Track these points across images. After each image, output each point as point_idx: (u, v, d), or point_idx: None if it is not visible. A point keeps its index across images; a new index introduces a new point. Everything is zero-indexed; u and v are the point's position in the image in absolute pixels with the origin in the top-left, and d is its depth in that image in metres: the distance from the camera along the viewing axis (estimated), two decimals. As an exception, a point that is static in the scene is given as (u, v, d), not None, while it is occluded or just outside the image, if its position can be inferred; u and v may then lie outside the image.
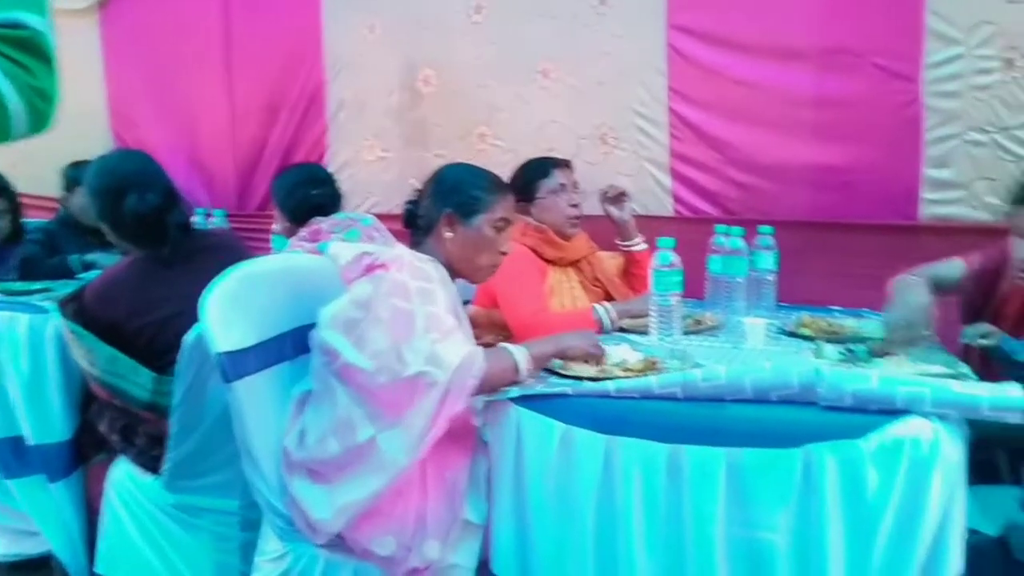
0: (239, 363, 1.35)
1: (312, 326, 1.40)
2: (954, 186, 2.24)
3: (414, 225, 1.61)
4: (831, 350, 1.53)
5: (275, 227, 2.49)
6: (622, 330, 1.87)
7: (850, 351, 1.53)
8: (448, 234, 1.52)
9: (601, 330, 1.86)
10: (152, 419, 1.71)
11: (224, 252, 1.78)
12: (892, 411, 1.11)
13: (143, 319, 1.74)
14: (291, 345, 1.48)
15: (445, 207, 1.53)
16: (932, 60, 2.21)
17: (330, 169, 3.00)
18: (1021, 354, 1.36)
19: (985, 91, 2.16)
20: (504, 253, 1.57)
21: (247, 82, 3.38)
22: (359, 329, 1.32)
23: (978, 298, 1.71)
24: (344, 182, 3.03)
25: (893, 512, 1.09)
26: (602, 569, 1.22)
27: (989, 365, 1.43)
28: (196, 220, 3.25)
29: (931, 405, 1.10)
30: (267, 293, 1.45)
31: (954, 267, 1.74)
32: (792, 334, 1.73)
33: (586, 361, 1.44)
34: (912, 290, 1.59)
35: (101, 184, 1.80)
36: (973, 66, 2.17)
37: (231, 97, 3.43)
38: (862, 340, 1.61)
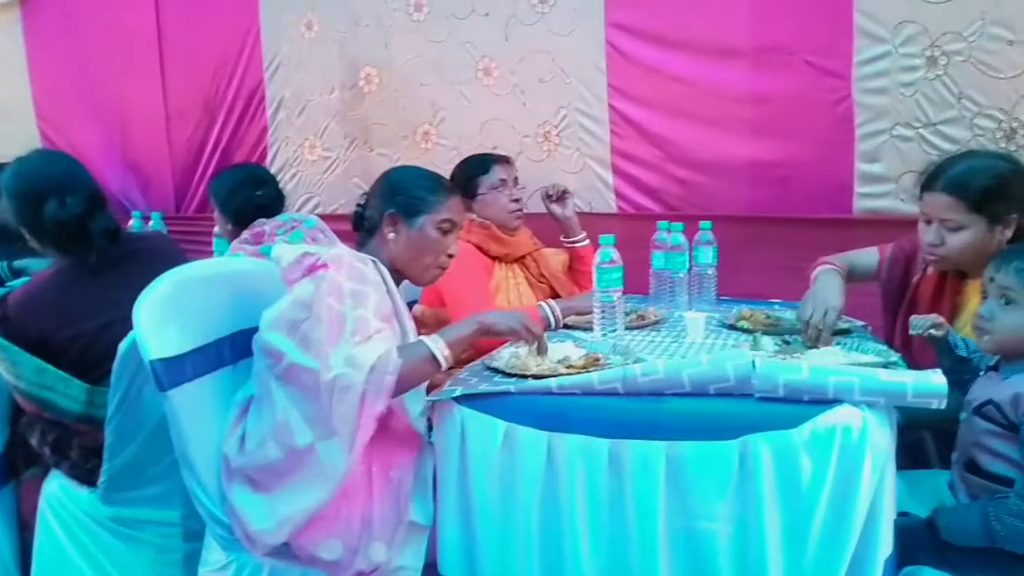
0: (174, 370, 1.32)
1: (254, 330, 1.38)
2: (884, 180, 2.32)
3: (361, 227, 1.59)
4: (768, 342, 1.57)
5: (216, 230, 2.44)
6: (567, 327, 1.88)
7: (786, 342, 1.57)
8: (391, 234, 1.51)
9: (547, 327, 1.87)
10: (87, 431, 1.65)
11: (157, 257, 1.73)
12: (824, 401, 1.15)
13: (73, 330, 1.68)
14: (231, 350, 1.46)
15: (388, 207, 1.52)
16: (861, 58, 2.28)
17: (271, 169, 2.96)
18: (963, 349, 1.41)
19: (911, 88, 2.24)
20: (451, 256, 1.56)
21: (182, 80, 3.30)
22: (302, 329, 1.31)
23: (895, 285, 1.77)
24: (286, 182, 3.01)
25: (827, 498, 1.12)
26: (547, 565, 1.23)
27: (928, 353, 1.48)
28: (132, 224, 3.16)
29: (860, 393, 1.14)
30: (203, 297, 1.42)
31: (869, 256, 1.81)
32: (732, 327, 1.77)
33: (521, 340, 1.44)
34: (824, 280, 1.65)
35: (19, 188, 1.72)
36: (899, 64, 2.25)
37: (166, 96, 3.34)
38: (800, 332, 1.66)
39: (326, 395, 1.26)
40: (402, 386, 1.30)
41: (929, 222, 1.57)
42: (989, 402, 1.28)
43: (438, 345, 1.34)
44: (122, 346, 1.48)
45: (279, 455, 1.28)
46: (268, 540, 1.29)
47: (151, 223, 3.21)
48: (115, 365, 1.50)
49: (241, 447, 1.35)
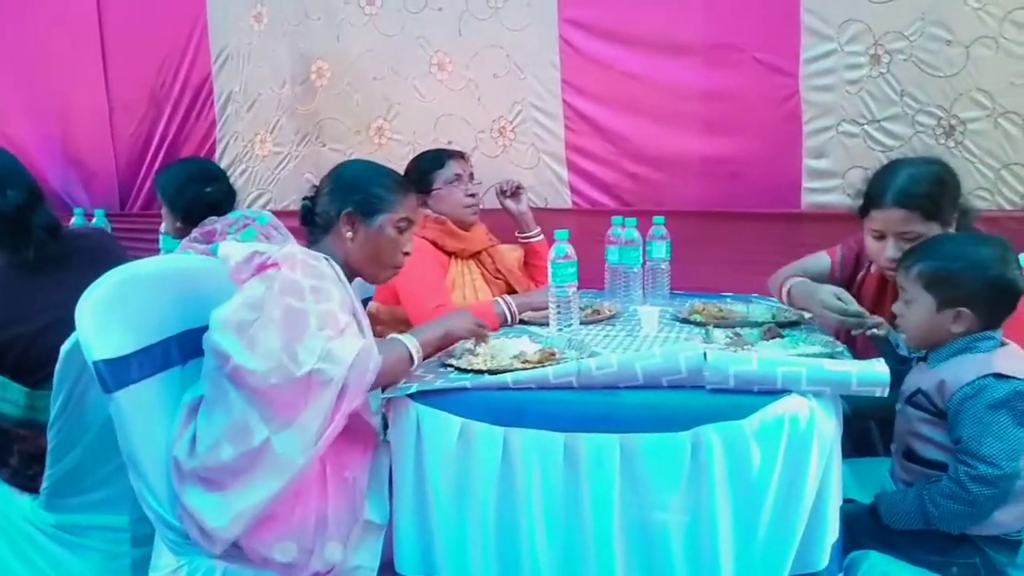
0: (120, 371, 1.29)
1: (203, 329, 1.35)
2: (831, 175, 2.38)
3: (311, 223, 1.57)
4: (719, 335, 1.59)
5: (164, 227, 2.37)
6: (523, 322, 1.89)
7: (737, 335, 1.60)
8: (348, 234, 1.49)
9: (503, 323, 1.87)
10: (28, 436, 1.60)
11: (99, 255, 1.68)
12: (773, 391, 1.18)
13: (12, 331, 1.62)
14: (180, 350, 1.42)
15: (345, 206, 1.49)
16: (808, 56, 2.33)
17: (221, 165, 2.90)
18: (904, 348, 1.45)
19: (856, 85, 2.30)
20: (407, 254, 1.55)
21: (126, 73, 3.20)
22: (251, 330, 1.28)
23: (842, 286, 1.82)
24: (236, 178, 2.95)
25: (776, 486, 1.15)
26: (505, 560, 1.24)
27: (871, 352, 1.52)
28: (74, 221, 3.06)
29: (807, 383, 1.17)
30: (149, 296, 1.38)
31: (821, 261, 1.86)
32: (685, 320, 1.79)
33: (472, 344, 1.44)
34: (804, 286, 1.69)
35: None
36: (845, 62, 2.31)
37: (109, 88, 3.24)
38: (756, 324, 1.69)
39: (294, 390, 1.23)
40: (379, 383, 1.29)
41: (882, 237, 1.58)
42: (919, 391, 1.33)
43: (414, 345, 1.34)
44: (64, 347, 1.43)
45: (233, 455, 1.26)
46: (224, 536, 1.26)
47: (94, 220, 3.11)
48: (57, 367, 1.45)
49: (192, 449, 1.32)
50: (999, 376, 1.24)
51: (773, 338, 1.56)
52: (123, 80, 3.22)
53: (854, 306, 1.55)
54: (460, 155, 2.20)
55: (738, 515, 1.16)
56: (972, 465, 1.21)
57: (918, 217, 1.53)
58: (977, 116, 2.19)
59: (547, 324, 1.77)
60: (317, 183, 1.61)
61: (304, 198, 1.59)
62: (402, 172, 2.13)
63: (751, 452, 1.14)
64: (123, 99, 3.23)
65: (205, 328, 1.34)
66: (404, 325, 1.99)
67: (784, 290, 1.75)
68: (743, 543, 1.16)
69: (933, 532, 1.27)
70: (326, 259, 1.40)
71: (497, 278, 2.17)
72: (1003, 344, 1.31)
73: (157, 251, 2.52)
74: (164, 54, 3.12)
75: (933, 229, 1.53)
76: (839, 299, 1.56)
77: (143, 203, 3.28)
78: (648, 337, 1.66)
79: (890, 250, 1.56)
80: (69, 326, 1.30)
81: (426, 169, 2.15)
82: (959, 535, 1.26)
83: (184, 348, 1.42)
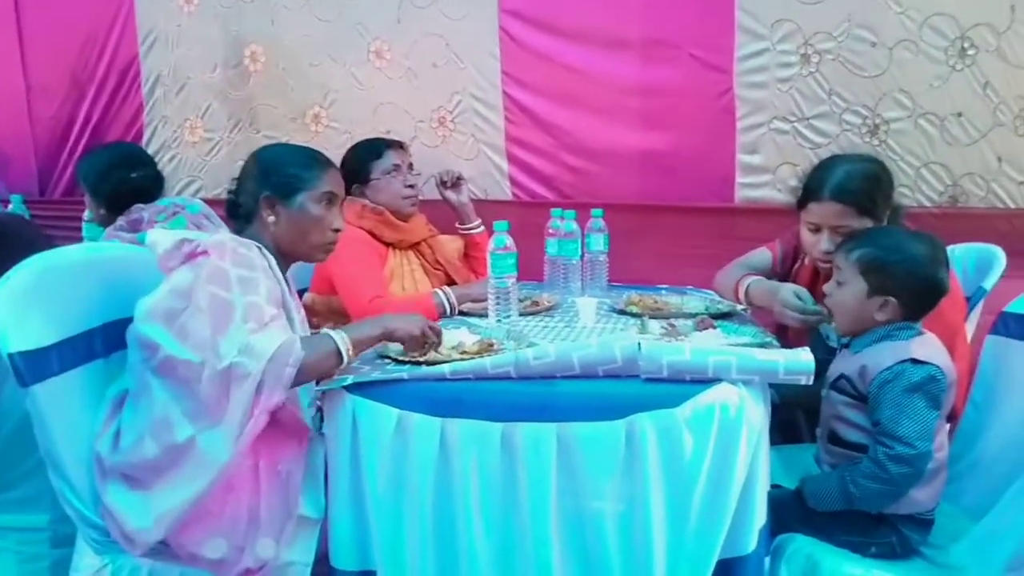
0: (38, 363, 1.24)
1: (128, 320, 1.30)
2: (763, 171, 2.45)
3: (236, 215, 1.52)
4: (654, 325, 1.62)
5: (86, 215, 2.27)
6: (463, 313, 1.88)
7: (672, 325, 1.63)
8: (270, 218, 1.45)
9: (442, 314, 1.86)
10: (-63, 433, 1.52)
11: (15, 242, 1.61)
12: (704, 380, 1.21)
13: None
14: (104, 341, 1.38)
15: (262, 191, 1.45)
16: (742, 53, 2.39)
17: (148, 150, 2.79)
18: (834, 340, 1.50)
19: (787, 83, 2.37)
20: (337, 230, 1.51)
21: (45, 52, 3.06)
22: (180, 319, 1.25)
23: (778, 278, 1.88)
24: (164, 165, 2.85)
25: (706, 472, 1.18)
26: (442, 551, 1.23)
27: (801, 342, 1.57)
28: (-11, 207, 2.91)
29: (737, 372, 1.20)
30: (71, 286, 1.33)
31: (763, 256, 1.91)
32: (622, 312, 1.82)
33: (411, 346, 1.42)
34: (762, 284, 1.73)
35: None
36: (776, 60, 2.37)
37: (26, 69, 3.08)
38: (690, 315, 1.73)
39: (217, 385, 1.20)
40: (301, 379, 1.25)
41: (818, 230, 1.62)
42: (842, 376, 1.38)
43: (344, 341, 1.31)
44: (-24, 340, 1.36)
45: (157, 451, 1.22)
46: (146, 538, 1.23)
47: (10, 206, 2.96)
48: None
49: (115, 444, 1.28)
50: (916, 362, 1.30)
51: (706, 329, 1.59)
52: (42, 60, 3.08)
53: (813, 305, 1.59)
54: (399, 144, 2.17)
55: (670, 501, 1.18)
56: (890, 446, 1.27)
57: (852, 212, 1.58)
58: (899, 116, 2.29)
59: (486, 315, 1.77)
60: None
61: (228, 192, 1.54)
62: (339, 161, 2.10)
63: (683, 439, 1.16)
64: (42, 80, 3.09)
65: (130, 319, 1.30)
66: (340, 316, 1.96)
67: (741, 289, 1.78)
68: (675, 528, 1.18)
69: (854, 514, 1.33)
70: (258, 247, 1.37)
71: (437, 269, 2.16)
72: (921, 333, 1.37)
73: (80, 239, 2.41)
74: (86, 33, 2.98)
75: (866, 224, 1.58)
76: (799, 298, 1.60)
77: (64, 189, 3.14)
78: (586, 328, 1.68)
79: (824, 243, 1.61)
80: (-18, 317, 1.24)
81: (363, 159, 2.11)
82: (877, 516, 1.32)
83: (109, 340, 1.38)
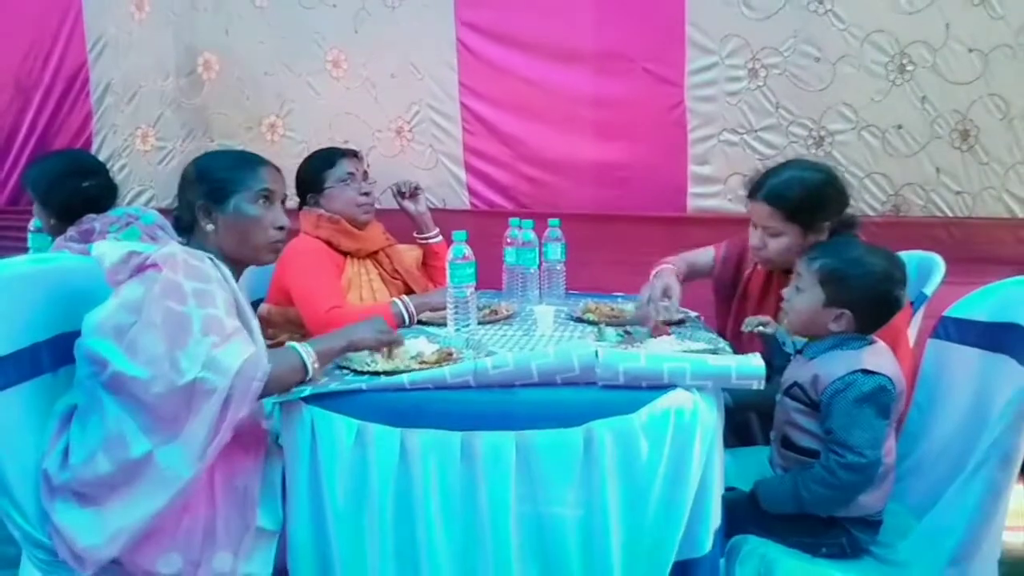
0: (-18, 379, 1.20)
1: (77, 333, 1.27)
2: (713, 181, 2.51)
3: (179, 227, 1.50)
4: (611, 333, 1.65)
5: (32, 224, 2.21)
6: (421, 323, 1.88)
7: (628, 333, 1.66)
8: (209, 226, 1.43)
9: (400, 324, 1.86)
10: None
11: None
12: (660, 386, 1.23)
13: None
14: (51, 356, 1.34)
15: (197, 199, 1.43)
16: (692, 67, 2.45)
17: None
18: (789, 346, 1.54)
19: (735, 97, 2.44)
20: (281, 227, 1.48)
21: (-12, 58, 2.97)
22: (130, 334, 1.22)
23: (727, 281, 1.93)
24: (114, 174, 2.76)
25: (662, 476, 1.20)
26: (402, 561, 1.23)
27: (755, 347, 1.61)
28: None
29: (691, 378, 1.23)
30: (15, 298, 1.29)
31: (706, 254, 1.97)
32: (579, 319, 1.84)
33: (378, 351, 1.43)
34: (661, 275, 1.77)
35: None
36: (726, 74, 2.44)
37: (-33, 75, 2.99)
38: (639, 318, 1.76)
39: (176, 400, 1.18)
40: (267, 392, 1.24)
41: (756, 226, 1.71)
42: (795, 384, 1.42)
43: (309, 355, 1.30)
44: (-83, 354, 1.32)
45: (110, 468, 1.19)
46: (97, 556, 1.20)
47: (-49, 216, 2.86)
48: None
49: (64, 461, 1.25)
50: (866, 372, 1.33)
51: (660, 335, 1.63)
52: (-17, 66, 2.99)
53: (647, 298, 1.69)
54: (353, 153, 2.17)
55: (627, 505, 1.20)
56: (841, 454, 1.31)
57: (780, 216, 1.64)
58: (843, 128, 2.37)
59: (445, 324, 1.77)
60: None
61: (173, 208, 1.52)
62: (295, 172, 2.09)
63: (639, 445, 1.18)
64: (-16, 86, 3.00)
65: (79, 333, 1.27)
66: (297, 327, 1.94)
67: (653, 270, 1.83)
68: (632, 532, 1.20)
69: (806, 516, 1.36)
70: (210, 259, 1.35)
71: (395, 278, 2.15)
72: (872, 343, 1.41)
73: (25, 249, 2.34)
74: (32, 39, 2.91)
75: (793, 230, 1.64)
76: (666, 294, 1.68)
77: (8, 198, 3.05)
78: (544, 336, 1.69)
79: (753, 238, 1.70)
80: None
81: (317, 168, 2.10)
82: (828, 519, 1.36)
83: (56, 354, 1.34)
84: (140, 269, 1.28)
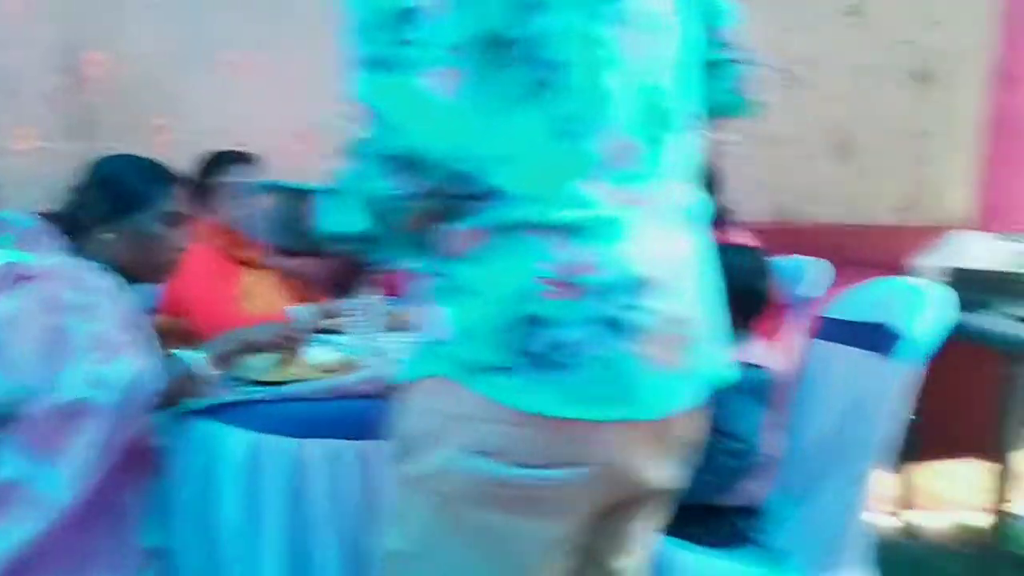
0: None
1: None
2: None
3: (72, 231, 1.42)
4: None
5: None
6: (324, 331, 1.85)
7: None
8: (107, 235, 1.37)
9: (299, 332, 1.82)
10: None
11: None
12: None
13: None
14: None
15: (101, 206, 1.37)
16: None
17: (-33, 161, 2.55)
18: None
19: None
20: (181, 249, 1.44)
21: None
22: (5, 352, 1.14)
23: None
24: (-14, 177, 2.60)
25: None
26: (297, 573, 1.21)
27: None
28: None
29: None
30: None
31: None
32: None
33: (279, 350, 1.39)
34: None
35: None
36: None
37: None
38: None
39: (54, 420, 1.12)
40: (160, 405, 1.20)
41: None
42: None
43: (201, 363, 1.25)
44: None
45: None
46: None
47: None
48: None
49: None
50: (747, 364, 1.40)
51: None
52: None
53: None
54: (247, 159, 2.11)
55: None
56: (720, 441, 1.37)
57: None
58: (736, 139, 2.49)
59: (348, 332, 1.75)
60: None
61: (64, 204, 1.44)
62: (186, 174, 2.01)
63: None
64: None
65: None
66: (191, 338, 1.87)
67: None
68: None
69: (692, 507, 1.42)
70: (98, 270, 1.28)
71: (292, 287, 2.10)
72: (752, 337, 1.50)
73: None
74: None
75: None
76: None
77: None
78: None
79: None
80: None
81: (210, 173, 2.04)
82: (714, 508, 1.43)
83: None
84: (16, 280, 1.20)
